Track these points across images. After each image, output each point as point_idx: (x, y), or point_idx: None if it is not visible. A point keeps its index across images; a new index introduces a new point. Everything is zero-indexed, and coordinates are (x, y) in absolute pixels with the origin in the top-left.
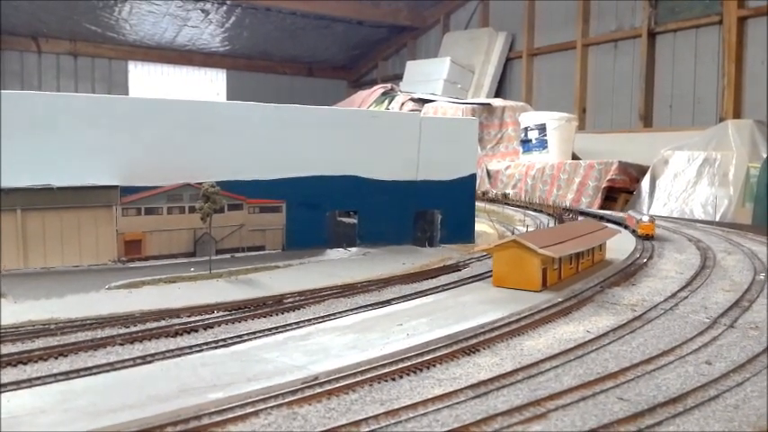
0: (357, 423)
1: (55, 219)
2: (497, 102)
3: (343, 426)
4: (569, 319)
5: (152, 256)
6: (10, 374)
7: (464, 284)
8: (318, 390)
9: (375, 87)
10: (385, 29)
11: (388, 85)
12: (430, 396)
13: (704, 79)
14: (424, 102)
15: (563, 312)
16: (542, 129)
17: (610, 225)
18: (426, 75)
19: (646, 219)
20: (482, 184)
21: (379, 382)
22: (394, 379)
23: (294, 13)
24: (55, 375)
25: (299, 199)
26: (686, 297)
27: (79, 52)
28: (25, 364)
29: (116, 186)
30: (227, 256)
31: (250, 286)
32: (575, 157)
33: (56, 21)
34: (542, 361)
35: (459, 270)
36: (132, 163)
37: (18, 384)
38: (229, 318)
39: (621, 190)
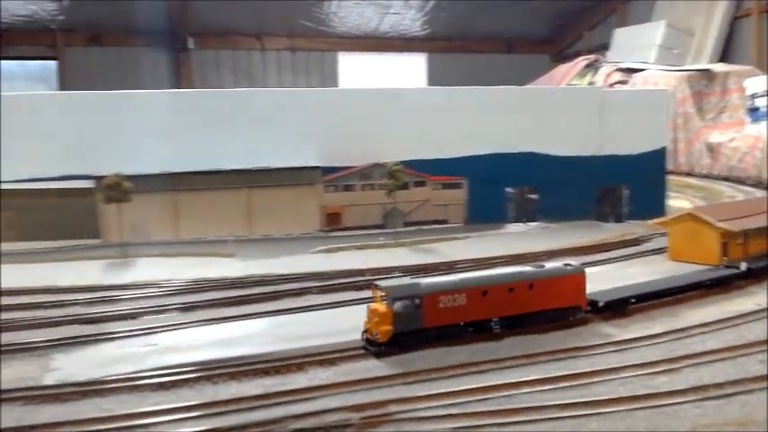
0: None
1: (272, 194)
2: (719, 67)
3: None
4: (743, 293)
5: (349, 227)
6: (237, 311)
7: (637, 257)
8: None
9: (577, 60)
10: None
11: (592, 57)
12: (570, 346)
13: None
14: (632, 71)
15: (737, 287)
16: None
17: None
18: (637, 42)
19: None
20: (701, 159)
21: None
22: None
23: None
24: (267, 312)
25: (479, 176)
26: None
27: (296, 47)
28: (244, 304)
29: (318, 167)
30: (414, 228)
31: (428, 254)
32: None
33: (275, 20)
34: (693, 327)
35: (639, 245)
36: (331, 146)
37: (237, 318)
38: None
39: None
